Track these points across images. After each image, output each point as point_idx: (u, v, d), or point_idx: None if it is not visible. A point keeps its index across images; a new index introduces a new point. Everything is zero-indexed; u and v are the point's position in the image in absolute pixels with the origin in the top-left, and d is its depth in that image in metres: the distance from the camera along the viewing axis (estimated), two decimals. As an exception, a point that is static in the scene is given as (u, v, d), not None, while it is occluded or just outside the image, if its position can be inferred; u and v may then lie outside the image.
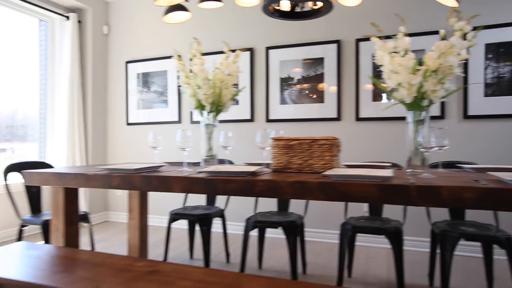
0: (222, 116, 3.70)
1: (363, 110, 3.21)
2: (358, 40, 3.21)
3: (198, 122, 3.80)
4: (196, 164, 2.27)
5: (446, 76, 1.57)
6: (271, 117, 3.51)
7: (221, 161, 2.76)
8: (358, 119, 3.22)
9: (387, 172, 1.47)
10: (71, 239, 2.04)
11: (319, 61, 3.35)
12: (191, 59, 2.01)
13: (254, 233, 3.30)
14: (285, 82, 3.47)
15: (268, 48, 3.51)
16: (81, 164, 3.84)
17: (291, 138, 1.76)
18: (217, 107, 2.04)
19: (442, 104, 2.98)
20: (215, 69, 2.05)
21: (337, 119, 3.28)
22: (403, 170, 1.87)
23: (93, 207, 4.02)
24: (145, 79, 4.05)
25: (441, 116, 2.98)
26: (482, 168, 1.78)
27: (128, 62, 4.12)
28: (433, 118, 3.00)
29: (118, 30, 4.17)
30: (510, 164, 2.81)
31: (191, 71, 2.02)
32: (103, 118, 4.19)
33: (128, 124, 4.13)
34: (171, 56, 3.90)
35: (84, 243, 3.14)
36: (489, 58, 2.87)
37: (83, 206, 3.80)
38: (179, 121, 3.89)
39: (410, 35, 3.04)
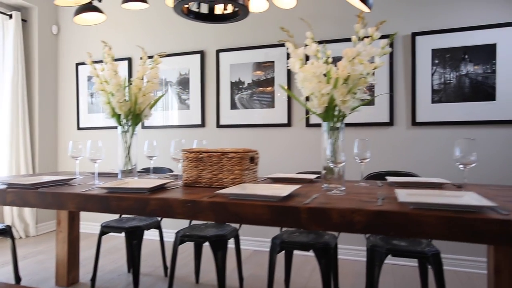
0: (170, 121, 3.57)
1: (314, 116, 3.11)
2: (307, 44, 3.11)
3: (150, 127, 3.66)
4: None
5: (357, 86, 1.47)
6: (222, 122, 3.39)
7: (158, 170, 2.63)
8: (309, 125, 3.13)
9: (288, 190, 1.36)
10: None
11: (270, 65, 3.24)
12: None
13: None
14: (236, 86, 3.35)
15: (218, 51, 3.39)
16: (26, 173, 3.65)
17: (201, 151, 1.64)
18: (134, 116, 1.90)
19: (391, 110, 2.90)
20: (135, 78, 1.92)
21: (288, 125, 3.18)
22: (320, 183, 1.76)
23: (45, 216, 3.83)
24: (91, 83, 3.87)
25: (390, 123, 2.90)
26: (404, 183, 1.68)
27: (78, 64, 3.95)
28: (382, 124, 2.92)
29: (68, 31, 3.99)
30: (454, 172, 2.74)
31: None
32: (53, 122, 4.00)
33: (79, 129, 3.96)
34: (124, 58, 3.74)
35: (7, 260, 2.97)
36: (436, 64, 2.80)
37: (8, 218, 3.59)
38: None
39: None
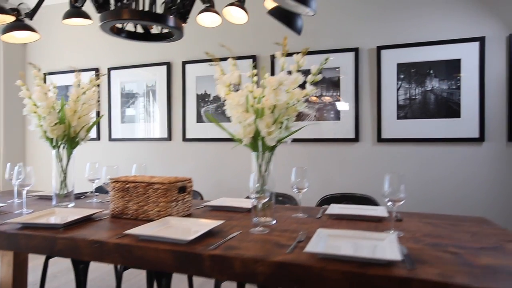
0: (135, 133, 3.48)
1: (278, 130, 3.03)
2: (274, 57, 3.03)
3: (117, 140, 3.57)
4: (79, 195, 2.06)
5: (284, 116, 1.38)
6: (188, 136, 3.31)
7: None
8: (274, 139, 3.04)
9: (203, 229, 1.27)
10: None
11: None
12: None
13: None
14: (202, 99, 3.26)
15: (184, 63, 3.31)
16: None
17: (128, 180, 1.55)
18: (69, 139, 1.82)
19: (357, 126, 2.82)
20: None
21: (253, 139, 3.10)
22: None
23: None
24: (65, 93, 3.79)
25: (356, 139, 2.81)
26: (342, 215, 1.59)
27: (46, 74, 3.86)
28: (347, 140, 2.83)
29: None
30: (417, 190, 2.66)
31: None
32: (20, 134, 3.91)
33: (47, 140, 3.86)
34: (94, 69, 3.66)
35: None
36: (401, 79, 2.72)
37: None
38: (97, 138, 3.65)
39: (326, 52, 2.88)
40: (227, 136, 3.15)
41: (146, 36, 1.71)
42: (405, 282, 0.88)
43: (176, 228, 1.35)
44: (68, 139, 1.81)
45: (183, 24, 1.66)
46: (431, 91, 2.65)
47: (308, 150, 2.95)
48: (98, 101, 1.90)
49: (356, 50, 2.81)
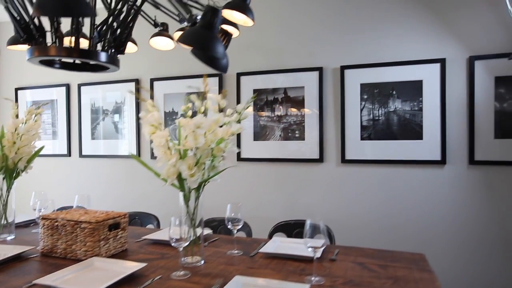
0: (108, 150, 3.45)
1: (245, 151, 3.00)
2: (239, 74, 3.01)
3: (89, 156, 3.54)
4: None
5: (208, 156, 1.35)
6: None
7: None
8: (240, 159, 3.01)
9: (130, 269, 1.24)
10: None
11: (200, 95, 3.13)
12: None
13: None
14: (170, 116, 3.24)
15: (152, 80, 3.28)
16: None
17: (57, 218, 1.52)
18: (8, 171, 1.79)
19: (321, 146, 2.78)
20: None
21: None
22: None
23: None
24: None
25: (320, 159, 2.78)
26: (275, 254, 1.55)
27: (18, 88, 3.84)
28: (312, 161, 2.80)
29: (10, 53, 3.88)
30: (348, 213, 2.63)
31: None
32: (-8, 148, 3.89)
33: (19, 155, 3.83)
34: (64, 85, 3.63)
35: None
36: (365, 99, 2.69)
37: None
38: (68, 154, 3.63)
39: (291, 70, 2.85)
40: None
41: (81, 67, 1.67)
42: None
43: (95, 273, 1.32)
44: (7, 170, 1.78)
45: (119, 55, 1.63)
46: (394, 112, 2.62)
47: (273, 169, 2.92)
48: (40, 131, 1.86)
49: (320, 70, 2.78)
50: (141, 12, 1.73)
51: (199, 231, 1.46)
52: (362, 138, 2.69)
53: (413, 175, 2.58)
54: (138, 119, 3.35)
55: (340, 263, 1.46)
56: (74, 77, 3.59)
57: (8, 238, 1.81)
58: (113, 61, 1.57)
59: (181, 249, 1.32)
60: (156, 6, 1.77)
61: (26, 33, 1.37)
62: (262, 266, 1.42)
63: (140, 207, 2.86)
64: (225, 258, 1.52)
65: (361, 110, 2.69)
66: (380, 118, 2.65)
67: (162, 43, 2.21)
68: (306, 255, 1.51)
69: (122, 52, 1.63)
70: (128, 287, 1.20)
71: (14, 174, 1.83)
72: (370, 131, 2.67)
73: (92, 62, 1.55)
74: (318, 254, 1.48)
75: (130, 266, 1.34)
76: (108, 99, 3.46)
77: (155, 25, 2.10)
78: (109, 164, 3.45)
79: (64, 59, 1.61)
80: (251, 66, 2.98)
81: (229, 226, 1.59)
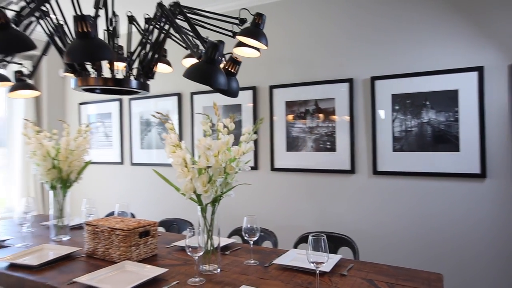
0: (154, 159, 3.75)
1: (278, 161, 3.09)
2: (272, 87, 3.11)
3: (139, 164, 3.87)
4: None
5: (220, 175, 1.48)
6: (196, 162, 3.50)
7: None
8: (273, 169, 3.11)
9: (154, 273, 1.41)
10: None
11: (237, 107, 3.29)
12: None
13: None
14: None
15: (192, 94, 3.52)
16: (35, 204, 4.07)
17: (97, 224, 1.75)
18: (63, 182, 2.08)
19: (352, 158, 2.78)
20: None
21: (255, 168, 3.19)
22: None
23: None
24: (90, 121, 4.22)
25: (351, 171, 2.78)
26: (285, 266, 1.63)
27: (81, 103, 4.32)
28: (343, 172, 2.81)
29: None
30: (412, 226, 2.56)
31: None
32: (59, 156, 4.42)
33: (81, 162, 4.31)
34: (116, 99, 4.03)
35: None
36: (397, 110, 2.64)
37: None
38: (121, 162, 4.00)
39: (321, 82, 2.89)
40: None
41: (117, 91, 1.90)
42: None
43: (124, 275, 1.51)
44: (62, 181, 2.07)
45: (150, 79, 1.83)
46: (428, 123, 2.54)
47: (305, 180, 2.98)
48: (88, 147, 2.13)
49: (350, 81, 2.78)
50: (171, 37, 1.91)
51: (216, 241, 1.59)
52: (395, 150, 2.64)
53: (449, 189, 2.48)
54: (180, 130, 3.60)
55: (350, 278, 1.50)
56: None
57: (64, 239, 2.10)
58: (143, 86, 1.78)
59: (196, 257, 1.46)
60: (177, 41, 1.94)
61: (70, 67, 1.62)
62: (272, 277, 1.51)
63: (182, 213, 3.07)
64: (241, 267, 1.63)
65: (393, 121, 2.65)
66: (413, 129, 2.58)
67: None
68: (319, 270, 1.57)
69: (151, 77, 1.83)
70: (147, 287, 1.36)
71: (68, 184, 2.12)
72: (403, 143, 2.62)
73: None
74: (325, 269, 1.53)
75: (153, 271, 1.52)
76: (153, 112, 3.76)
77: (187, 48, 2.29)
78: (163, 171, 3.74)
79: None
80: (283, 79, 3.07)
81: (245, 237, 1.69)
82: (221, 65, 1.53)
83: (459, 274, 2.42)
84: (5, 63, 1.86)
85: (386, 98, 2.67)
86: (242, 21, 1.77)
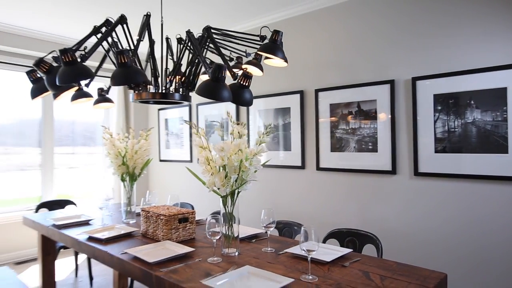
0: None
1: (323, 161, 3.23)
2: (317, 91, 3.26)
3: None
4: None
5: (235, 172, 1.75)
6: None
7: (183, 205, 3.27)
8: (319, 168, 3.26)
9: (183, 250, 1.76)
10: (48, 267, 2.87)
11: (287, 110, 3.51)
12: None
13: None
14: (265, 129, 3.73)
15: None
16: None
17: (149, 210, 2.18)
18: (130, 175, 2.59)
19: (394, 159, 2.79)
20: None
21: (302, 167, 3.38)
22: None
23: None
24: (167, 124, 4.87)
25: (393, 171, 2.79)
26: (302, 256, 1.81)
27: (160, 109, 5.01)
28: (384, 172, 2.83)
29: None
30: (457, 231, 2.47)
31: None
32: (144, 155, 5.19)
33: (160, 160, 5.01)
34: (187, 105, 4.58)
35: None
36: (438, 110, 2.58)
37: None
38: (190, 161, 4.55)
39: (363, 85, 2.95)
40: (280, 163, 3.49)
41: (166, 102, 2.30)
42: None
43: (162, 251, 1.88)
44: (129, 175, 2.58)
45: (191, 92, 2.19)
46: (473, 123, 2.44)
47: (348, 179, 3.06)
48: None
49: (391, 82, 2.79)
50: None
51: (236, 228, 1.87)
52: (437, 151, 2.59)
53: (495, 192, 2.35)
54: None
55: (348, 269, 1.63)
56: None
57: (131, 222, 2.60)
58: (185, 98, 2.14)
59: (214, 240, 1.76)
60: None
61: (129, 85, 2.06)
62: (279, 263, 1.72)
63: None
64: (257, 253, 1.88)
65: (435, 121, 2.59)
66: (457, 130, 2.50)
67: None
68: (320, 258, 1.74)
69: (192, 90, 2.19)
70: (176, 261, 1.71)
71: (134, 178, 2.62)
72: (445, 144, 2.55)
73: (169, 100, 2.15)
74: (326, 259, 1.69)
75: (184, 249, 1.86)
76: (219, 115, 4.19)
77: (230, 59, 2.61)
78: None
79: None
80: (328, 82, 3.20)
81: (263, 227, 1.93)
82: (236, 80, 1.80)
83: (508, 281, 2.28)
84: (87, 84, 2.39)
85: (428, 98, 2.62)
86: (263, 38, 2.01)
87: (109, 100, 2.56)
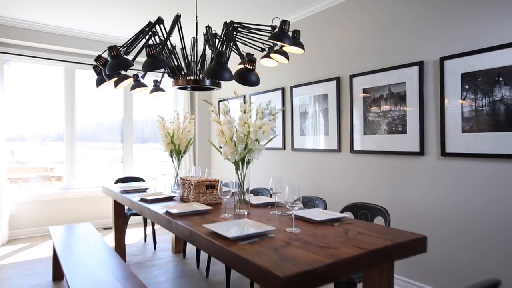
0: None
1: (356, 144, 3.34)
2: (352, 76, 3.37)
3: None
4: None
5: (243, 142, 2.06)
6: (295, 146, 4.07)
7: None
8: (353, 151, 3.37)
9: (203, 208, 2.16)
10: (119, 227, 3.55)
11: (325, 96, 3.68)
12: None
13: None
14: (302, 116, 3.96)
15: (292, 87, 4.10)
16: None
17: (185, 179, 2.62)
18: (177, 152, 3.09)
19: (422, 140, 2.80)
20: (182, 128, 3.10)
21: (338, 150, 3.53)
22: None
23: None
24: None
25: (421, 153, 2.80)
26: (305, 218, 2.05)
27: (220, 100, 5.54)
28: (413, 154, 2.86)
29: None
30: (483, 211, 2.40)
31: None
32: (207, 147, 5.78)
33: (220, 147, 5.53)
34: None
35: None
36: (466, 89, 2.52)
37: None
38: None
39: (393, 68, 3.00)
40: (317, 147, 3.65)
41: (201, 88, 2.71)
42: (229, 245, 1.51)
43: (186, 208, 2.29)
44: (176, 152, 3.08)
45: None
46: (501, 101, 2.35)
47: (379, 161, 3.13)
48: (194, 129, 3.05)
49: (420, 64, 2.79)
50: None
51: (247, 197, 2.19)
52: (464, 131, 2.54)
53: (523, 172, 2.25)
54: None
55: (334, 228, 1.83)
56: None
57: (177, 191, 3.09)
58: (215, 84, 2.53)
59: (225, 200, 2.11)
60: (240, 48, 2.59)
61: (172, 72, 2.51)
62: (277, 221, 1.99)
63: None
64: (263, 214, 2.17)
65: (463, 101, 2.55)
66: (484, 108, 2.43)
67: (268, 62, 2.99)
68: (312, 218, 1.96)
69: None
70: (194, 215, 2.10)
71: (181, 155, 3.11)
72: (472, 123, 2.49)
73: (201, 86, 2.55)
74: (317, 218, 1.91)
75: (203, 207, 2.25)
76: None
77: (262, 50, 2.92)
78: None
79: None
80: (361, 68, 3.29)
81: (271, 193, 2.21)
82: (242, 65, 2.11)
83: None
84: (143, 75, 2.93)
85: (456, 78, 2.58)
86: (274, 28, 2.28)
87: (161, 89, 3.08)
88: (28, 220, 4.57)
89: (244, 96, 4.93)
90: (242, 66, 2.71)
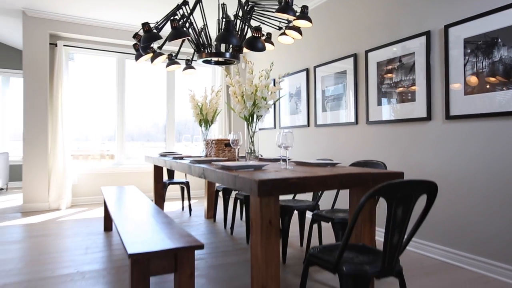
0: (293, 121, 4.83)
1: (371, 115, 3.54)
2: (367, 52, 3.57)
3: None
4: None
5: (251, 100, 2.41)
6: (318, 122, 4.33)
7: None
8: (368, 122, 3.57)
9: (221, 160, 2.56)
10: (159, 192, 4.08)
11: (343, 73, 3.90)
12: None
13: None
14: (324, 93, 4.21)
15: (315, 67, 4.36)
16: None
17: (209, 140, 3.03)
18: (205, 122, 3.52)
19: (429, 105, 2.94)
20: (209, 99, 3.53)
21: (355, 123, 3.74)
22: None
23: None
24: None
25: (428, 118, 2.95)
26: (304, 163, 2.35)
27: (252, 86, 5.92)
28: (420, 120, 3.01)
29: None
30: (485, 168, 2.52)
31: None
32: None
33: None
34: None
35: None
36: (468, 53, 2.65)
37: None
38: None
39: (402, 40, 3.16)
40: (339, 121, 3.89)
41: (223, 62, 3.09)
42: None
43: (205, 159, 2.69)
44: (204, 121, 3.51)
45: (240, 53, 2.93)
46: (500, 61, 2.46)
47: (391, 130, 3.31)
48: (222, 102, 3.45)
49: (427, 34, 2.94)
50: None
51: (257, 146, 2.53)
52: (466, 93, 2.67)
53: (520, 127, 2.35)
54: (308, 100, 4.50)
55: (325, 168, 2.11)
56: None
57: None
58: (234, 56, 2.91)
59: (237, 148, 2.48)
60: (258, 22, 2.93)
61: (196, 46, 2.93)
62: (279, 166, 2.31)
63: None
64: (272, 165, 2.50)
65: (465, 65, 2.67)
66: (484, 70, 2.55)
67: (285, 39, 3.31)
68: (308, 161, 2.25)
69: (241, 51, 2.93)
70: (210, 162, 2.49)
71: (208, 124, 3.53)
72: (474, 85, 2.61)
73: (221, 59, 2.94)
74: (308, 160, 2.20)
75: (222, 159, 2.63)
76: (292, 86, 4.83)
77: (279, 28, 3.25)
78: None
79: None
80: (375, 42, 3.48)
81: (282, 149, 2.53)
82: (250, 34, 2.46)
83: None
84: (158, 47, 3.37)
85: (459, 43, 2.71)
86: (280, 2, 2.60)
87: (192, 67, 3.53)
88: (86, 190, 5.31)
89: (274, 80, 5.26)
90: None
